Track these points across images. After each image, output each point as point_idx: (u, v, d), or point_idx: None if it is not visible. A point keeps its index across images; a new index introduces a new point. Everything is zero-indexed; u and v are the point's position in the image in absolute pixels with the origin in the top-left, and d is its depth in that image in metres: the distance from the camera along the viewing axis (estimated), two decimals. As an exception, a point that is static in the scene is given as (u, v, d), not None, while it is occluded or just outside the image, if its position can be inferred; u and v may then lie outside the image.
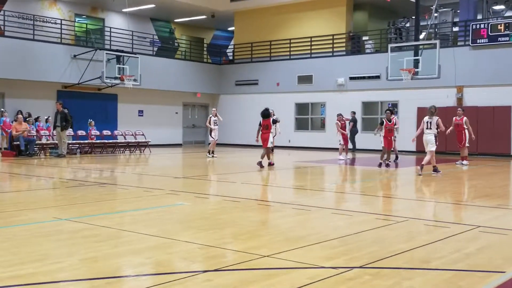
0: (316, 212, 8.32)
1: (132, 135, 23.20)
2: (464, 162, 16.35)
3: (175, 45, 31.37)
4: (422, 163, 13.57)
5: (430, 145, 13.48)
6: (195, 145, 28.65)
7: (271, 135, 15.62)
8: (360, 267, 4.89)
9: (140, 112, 26.14)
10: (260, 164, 15.04)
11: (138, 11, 27.99)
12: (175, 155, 22.34)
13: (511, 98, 20.66)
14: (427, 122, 13.72)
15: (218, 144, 24.74)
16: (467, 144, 16.34)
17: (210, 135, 19.70)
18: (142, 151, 22.33)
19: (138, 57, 23.32)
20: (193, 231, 6.54)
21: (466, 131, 16.23)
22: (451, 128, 16.64)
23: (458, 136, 16.53)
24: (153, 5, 27.21)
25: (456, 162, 16.70)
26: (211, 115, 19.66)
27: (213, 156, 19.31)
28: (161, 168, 16.27)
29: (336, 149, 19.15)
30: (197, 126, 29.18)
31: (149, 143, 22.85)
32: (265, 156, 15.50)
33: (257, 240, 6.06)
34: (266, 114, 15.46)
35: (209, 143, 20.53)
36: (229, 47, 32.98)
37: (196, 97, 28.62)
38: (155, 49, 28.72)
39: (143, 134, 23.36)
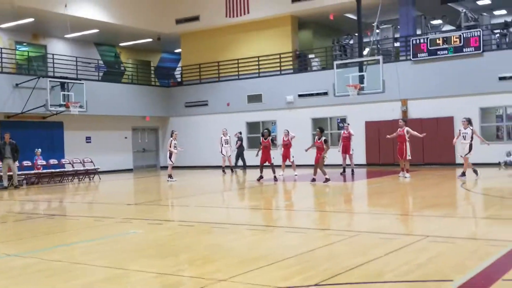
0: (270, 232, 8.35)
1: (80, 162, 22.71)
2: (406, 174, 16.57)
3: (121, 69, 31.06)
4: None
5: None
6: (146, 169, 28.28)
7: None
8: (316, 285, 4.94)
9: (88, 139, 25.64)
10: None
11: (81, 36, 27.61)
12: (126, 180, 21.99)
13: (454, 109, 21.39)
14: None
15: (166, 167, 24.58)
16: (408, 157, 16.63)
17: (170, 158, 19.43)
18: (91, 178, 21.88)
19: (83, 83, 22.95)
20: (147, 259, 6.45)
21: (408, 143, 16.53)
22: (393, 135, 17.01)
23: (399, 148, 16.78)
24: (96, 30, 26.91)
25: (399, 174, 16.93)
26: (171, 139, 19.47)
27: (174, 180, 18.97)
28: (112, 195, 15.98)
29: (288, 166, 19.30)
30: (148, 150, 28.85)
31: (99, 170, 22.42)
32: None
33: (212, 264, 6.03)
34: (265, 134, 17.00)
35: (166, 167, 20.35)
36: (176, 69, 32.91)
37: (145, 121, 28.34)
38: (101, 74, 28.34)
39: (91, 161, 22.91)
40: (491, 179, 15.33)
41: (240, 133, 24.26)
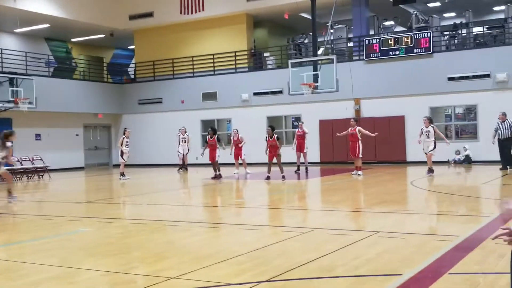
0: (224, 229, 8.33)
1: (29, 160, 22.07)
2: (359, 172, 16.86)
3: (72, 65, 30.36)
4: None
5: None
6: (98, 167, 27.75)
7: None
8: (267, 281, 4.95)
9: (38, 136, 24.93)
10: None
11: (31, 31, 26.84)
12: (77, 179, 21.51)
13: (405, 108, 21.90)
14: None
15: (119, 165, 24.18)
16: (360, 155, 16.92)
17: (121, 156, 19.10)
18: (40, 176, 21.31)
19: (32, 79, 22.32)
20: (97, 257, 6.31)
21: (360, 142, 16.84)
22: (344, 133, 17.31)
23: (351, 147, 17.06)
24: (47, 25, 26.20)
25: (352, 172, 17.21)
26: (123, 136, 19.14)
27: (126, 178, 18.63)
28: (62, 194, 15.59)
29: (241, 165, 19.32)
30: (100, 148, 28.31)
31: (48, 168, 21.85)
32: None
33: (164, 262, 5.96)
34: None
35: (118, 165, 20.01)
36: (130, 66, 32.41)
37: (97, 118, 27.79)
38: (51, 70, 27.62)
39: (41, 159, 22.30)
40: (440, 176, 15.75)
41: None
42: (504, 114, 17.66)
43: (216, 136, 18.04)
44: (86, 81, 27.68)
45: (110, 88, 28.48)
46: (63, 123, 26.12)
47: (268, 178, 15.96)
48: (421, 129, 16.45)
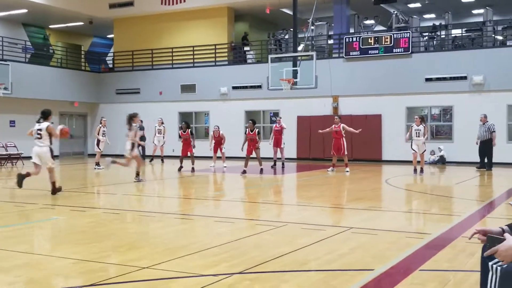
0: (199, 221, 8.30)
1: (3, 147, 21.70)
2: (347, 168, 16.90)
3: (50, 52, 29.89)
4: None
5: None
6: (73, 156, 27.41)
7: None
8: (240, 272, 4.95)
9: (12, 123, 24.49)
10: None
11: (8, 16, 26.32)
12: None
13: (382, 107, 22.08)
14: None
15: (94, 155, 23.91)
16: (346, 152, 17.02)
17: (97, 146, 18.92)
18: (14, 164, 20.97)
19: (8, 64, 21.92)
20: (68, 245, 6.24)
21: (344, 139, 16.93)
22: (326, 130, 17.38)
23: (336, 144, 17.14)
24: (25, 10, 25.73)
25: (328, 169, 17.24)
26: (100, 125, 18.93)
27: (101, 168, 18.42)
28: (35, 181, 15.33)
29: (219, 158, 19.29)
30: (75, 137, 27.93)
31: (22, 155, 21.51)
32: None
33: (137, 251, 5.92)
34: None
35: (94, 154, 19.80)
36: (108, 55, 32.03)
37: (73, 106, 27.41)
38: (28, 56, 27.15)
39: (15, 146, 21.94)
40: (415, 176, 15.93)
41: (141, 121, 23.52)
42: (485, 116, 17.97)
43: (190, 130, 18.00)
44: (63, 69, 27.27)
45: (88, 77, 28.11)
46: (39, 110, 25.54)
47: (244, 172, 15.96)
48: (411, 127, 16.60)
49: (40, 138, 10.97)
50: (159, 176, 17.36)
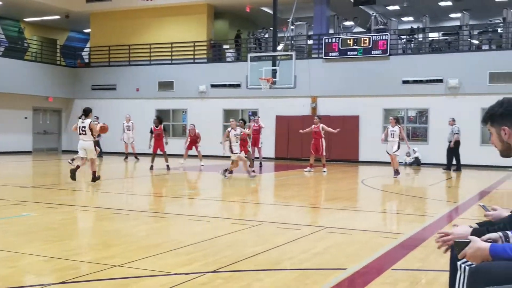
0: (173, 219, 8.24)
1: (-25, 141, 21.28)
2: (324, 169, 16.90)
3: (24, 46, 29.40)
4: None
5: None
6: (47, 152, 27.01)
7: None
8: (214, 271, 4.92)
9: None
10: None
11: (-17, 7, 25.86)
12: (24, 163, 20.87)
13: (360, 108, 22.20)
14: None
15: (71, 152, 23.63)
16: (324, 153, 17.02)
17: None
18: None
19: (-18, 57, 21.50)
20: (39, 243, 6.13)
21: (323, 140, 16.94)
22: (307, 130, 17.39)
23: (315, 144, 17.14)
24: (0, 2, 25.28)
25: (305, 169, 17.26)
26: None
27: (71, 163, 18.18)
28: (7, 177, 15.09)
29: (195, 156, 19.19)
30: (49, 132, 27.55)
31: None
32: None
33: (109, 249, 5.84)
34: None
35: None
36: (85, 50, 31.65)
37: (48, 102, 27.00)
38: (2, 49, 26.66)
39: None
40: (390, 177, 16.04)
41: (97, 117, 23.30)
42: (453, 120, 18.21)
43: (163, 125, 17.86)
44: (38, 63, 26.85)
45: (63, 72, 27.72)
46: (12, 104, 25.26)
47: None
48: (387, 128, 16.55)
49: (85, 134, 12.36)
50: (133, 174, 17.20)
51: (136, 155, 21.74)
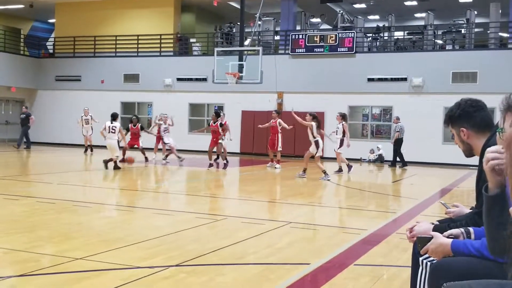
0: (137, 213, 8.17)
1: None
2: (277, 165, 16.96)
3: (-14, 34, 28.59)
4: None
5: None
6: (8, 143, 26.35)
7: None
8: (177, 265, 4.89)
9: None
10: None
11: None
12: (-16, 154, 20.33)
13: (325, 105, 22.34)
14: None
15: (33, 143, 23.21)
16: (279, 148, 17.04)
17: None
18: None
19: None
20: (-1, 235, 5.99)
21: (280, 135, 16.95)
22: (266, 125, 17.44)
23: (271, 139, 17.11)
24: (-40, -12, 24.53)
25: (267, 164, 17.31)
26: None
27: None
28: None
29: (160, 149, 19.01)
30: (11, 123, 26.89)
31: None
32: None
33: (70, 242, 5.75)
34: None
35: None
36: (49, 40, 30.97)
37: (10, 92, 26.35)
38: (-37, 37, 25.88)
39: None
40: (353, 173, 16.24)
41: (26, 107, 22.90)
42: (397, 118, 18.89)
43: (140, 124, 17.90)
44: (0, 52, 26.15)
45: (26, 62, 27.09)
46: (-28, 94, 24.55)
47: (211, 165, 15.80)
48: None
49: (114, 132, 14.59)
50: (96, 166, 16.93)
51: (92, 148, 21.20)
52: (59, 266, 4.72)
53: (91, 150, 21.05)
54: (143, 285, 4.30)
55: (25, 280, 4.33)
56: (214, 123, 16.26)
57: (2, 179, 11.72)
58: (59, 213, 7.66)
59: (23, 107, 22.47)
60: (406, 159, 19.12)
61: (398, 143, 18.65)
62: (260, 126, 18.02)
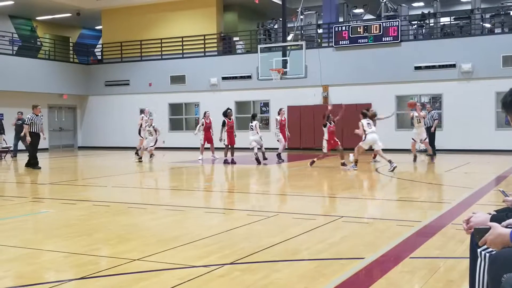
0: (189, 212, 8.29)
1: (-8, 140, 21.49)
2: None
3: (37, 44, 29.62)
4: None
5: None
6: (63, 149, 27.24)
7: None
8: (231, 263, 4.95)
9: (0, 116, 24.31)
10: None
11: (-5, 7, 26.05)
12: (41, 160, 21.03)
13: (372, 96, 22.04)
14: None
15: (87, 148, 23.85)
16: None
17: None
18: (3, 157, 20.80)
19: (-5, 57, 21.69)
20: (58, 239, 6.21)
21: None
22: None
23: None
24: (11, 2, 25.45)
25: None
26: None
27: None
28: (25, 175, 15.27)
29: (208, 149, 19.21)
30: (65, 129, 27.78)
31: (11, 149, 21.34)
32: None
33: (127, 244, 5.90)
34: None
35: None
36: (97, 46, 31.80)
37: (62, 99, 27.22)
38: (15, 48, 26.88)
39: (4, 140, 21.75)
40: (403, 164, 15.95)
41: (22, 113, 21.79)
42: (429, 105, 18.56)
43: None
44: (51, 61, 27.05)
45: (76, 69, 27.91)
46: (27, 102, 25.40)
47: (226, 162, 16.11)
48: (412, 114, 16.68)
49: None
50: (150, 168, 17.28)
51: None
52: (117, 268, 4.85)
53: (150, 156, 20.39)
54: (199, 284, 4.37)
55: (86, 282, 4.47)
56: (230, 119, 17.20)
57: (59, 184, 12.13)
58: (115, 215, 7.86)
59: (18, 112, 21.45)
60: (457, 147, 18.65)
61: (435, 130, 18.03)
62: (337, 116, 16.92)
